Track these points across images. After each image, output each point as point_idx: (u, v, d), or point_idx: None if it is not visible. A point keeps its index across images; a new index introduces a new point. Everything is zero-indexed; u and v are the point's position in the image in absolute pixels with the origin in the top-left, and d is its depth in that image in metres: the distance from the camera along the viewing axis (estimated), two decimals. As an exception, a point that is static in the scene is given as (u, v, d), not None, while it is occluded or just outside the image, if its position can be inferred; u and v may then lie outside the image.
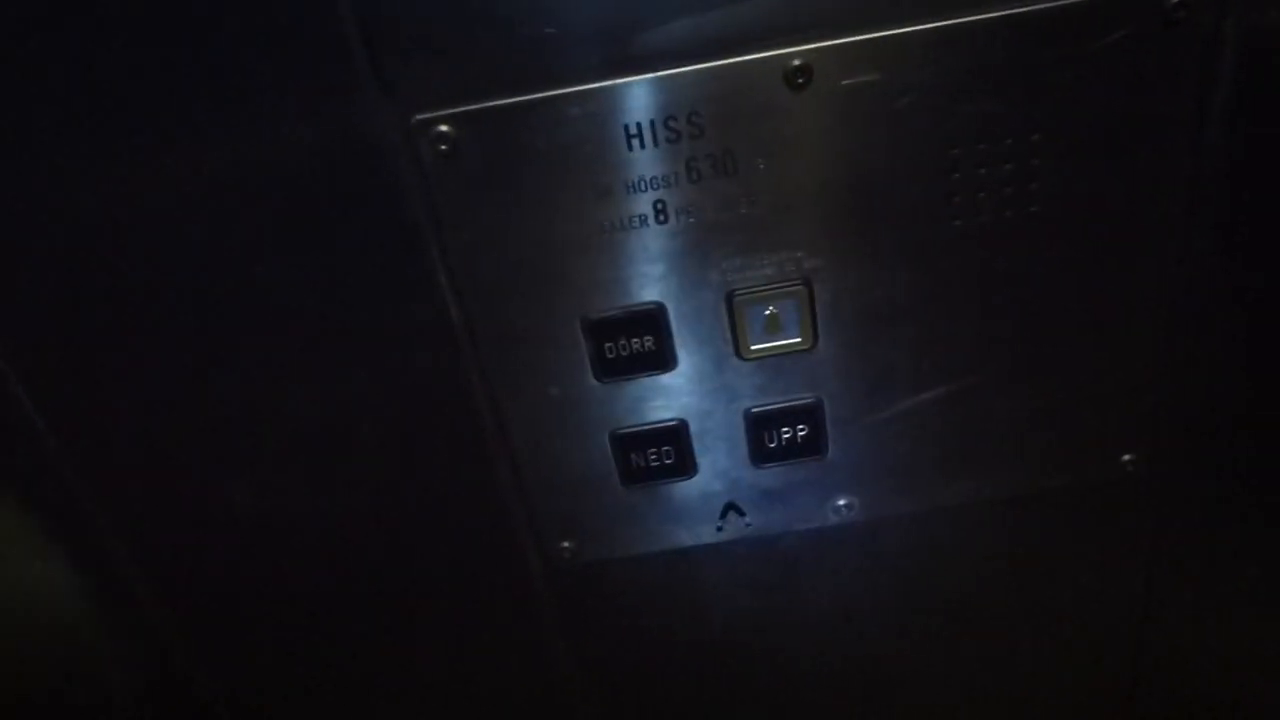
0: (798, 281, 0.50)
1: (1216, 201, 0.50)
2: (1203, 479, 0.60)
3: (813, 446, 0.56)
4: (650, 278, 0.50)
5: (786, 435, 0.55)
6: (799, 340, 0.52)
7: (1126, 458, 0.57)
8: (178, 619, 0.61)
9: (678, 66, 0.45)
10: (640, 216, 0.48)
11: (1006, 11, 0.45)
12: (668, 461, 0.56)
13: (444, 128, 0.46)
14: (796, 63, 0.45)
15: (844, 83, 0.46)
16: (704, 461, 0.56)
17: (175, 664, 0.64)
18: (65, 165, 0.46)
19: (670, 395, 0.54)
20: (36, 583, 0.61)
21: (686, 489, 0.57)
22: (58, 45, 0.43)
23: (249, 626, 0.62)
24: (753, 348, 0.52)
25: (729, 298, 0.51)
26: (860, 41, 0.45)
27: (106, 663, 0.65)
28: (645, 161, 0.47)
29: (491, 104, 0.45)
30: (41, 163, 0.46)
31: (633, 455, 0.56)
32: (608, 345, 0.52)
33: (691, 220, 0.49)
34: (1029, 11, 0.45)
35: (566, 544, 0.58)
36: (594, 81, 0.45)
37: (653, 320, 0.51)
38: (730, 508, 0.58)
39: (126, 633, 0.63)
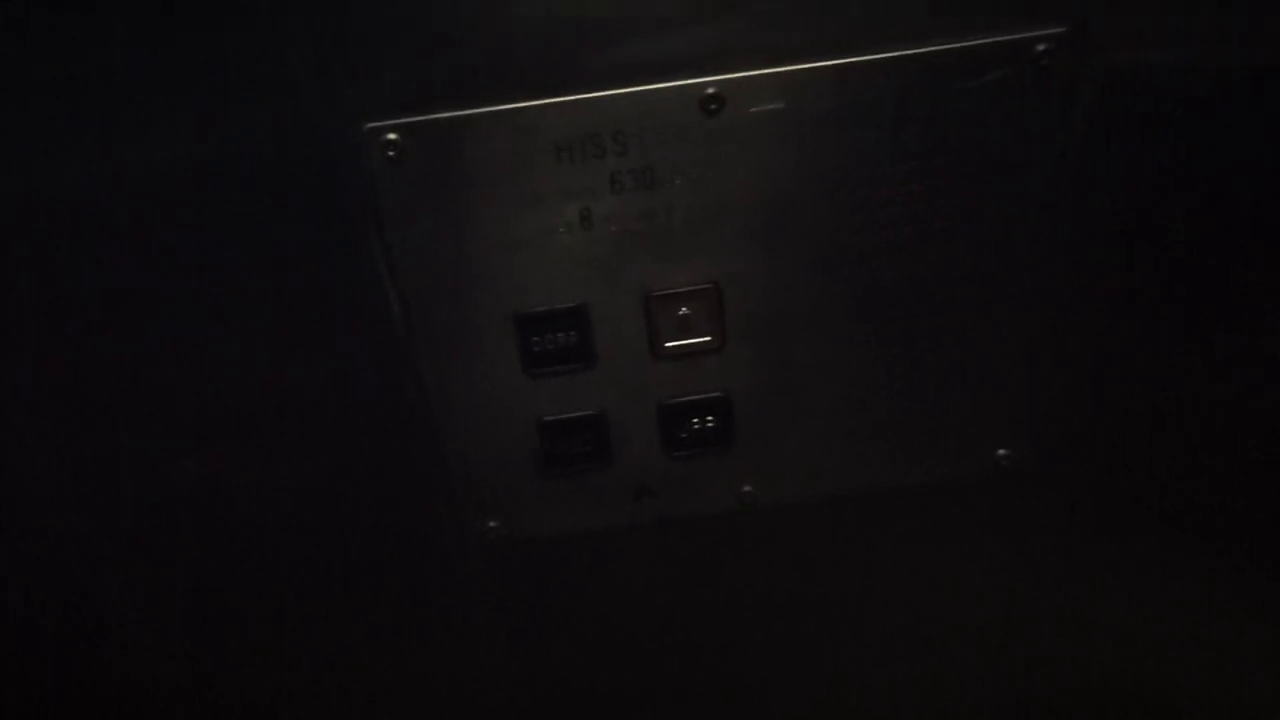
0: (709, 286, 0.55)
1: (1080, 220, 0.55)
2: (1076, 476, 0.64)
3: (720, 437, 0.60)
4: (575, 278, 0.54)
5: (696, 426, 0.60)
6: (709, 339, 0.57)
7: (1001, 452, 0.62)
8: (118, 586, 0.64)
9: (604, 90, 0.50)
10: (567, 223, 0.52)
11: (900, 52, 0.50)
12: (588, 449, 0.60)
13: (393, 135, 0.49)
14: (710, 91, 0.50)
15: (753, 110, 0.50)
16: (621, 449, 0.60)
17: (117, 631, 0.66)
18: (17, 152, 0.49)
19: (591, 387, 0.58)
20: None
21: (605, 474, 0.61)
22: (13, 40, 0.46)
23: (192, 595, 0.65)
24: (667, 345, 0.57)
25: (646, 299, 0.55)
26: (767, 74, 0.50)
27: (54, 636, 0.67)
28: (573, 174, 0.51)
29: (437, 116, 0.49)
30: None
31: (556, 442, 0.60)
32: (534, 340, 0.56)
33: (613, 228, 0.53)
34: (920, 52, 0.50)
35: (493, 523, 0.62)
36: (530, 100, 0.49)
37: (576, 317, 0.55)
38: (643, 491, 0.62)
39: (71, 598, 0.65)
